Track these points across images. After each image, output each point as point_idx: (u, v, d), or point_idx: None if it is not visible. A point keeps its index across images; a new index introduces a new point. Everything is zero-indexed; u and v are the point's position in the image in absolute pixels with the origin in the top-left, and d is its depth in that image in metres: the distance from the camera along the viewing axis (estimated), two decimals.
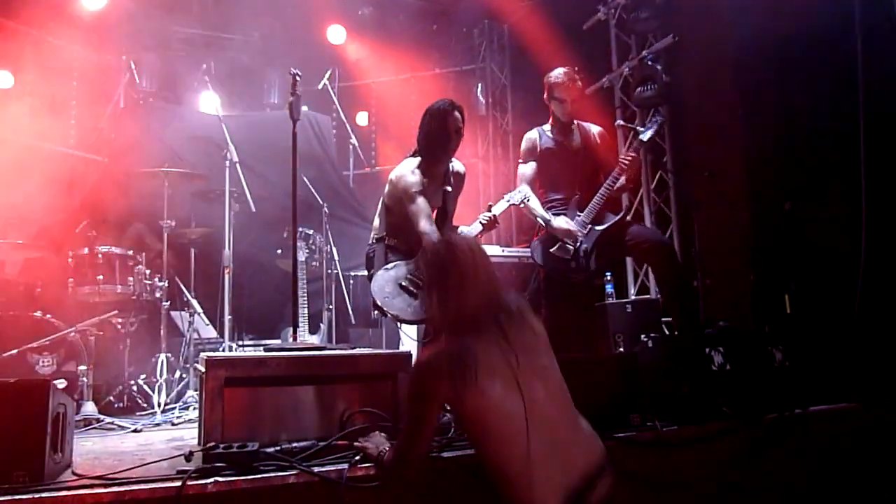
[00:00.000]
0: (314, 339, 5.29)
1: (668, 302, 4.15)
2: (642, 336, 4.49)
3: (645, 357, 3.20)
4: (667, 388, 3.06)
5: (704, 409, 3.05)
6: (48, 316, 4.17)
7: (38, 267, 4.79)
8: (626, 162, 3.99)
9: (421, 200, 3.58)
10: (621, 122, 5.59)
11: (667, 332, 5.19)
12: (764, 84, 4.84)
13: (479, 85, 8.08)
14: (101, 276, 4.44)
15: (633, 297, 5.76)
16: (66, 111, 6.60)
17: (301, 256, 5.03)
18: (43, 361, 4.05)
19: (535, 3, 7.24)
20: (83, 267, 4.48)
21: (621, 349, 4.86)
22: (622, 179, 4.04)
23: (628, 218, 4.42)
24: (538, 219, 4.12)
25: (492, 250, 6.06)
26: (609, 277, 5.41)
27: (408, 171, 3.68)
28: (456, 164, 3.95)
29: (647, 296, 5.65)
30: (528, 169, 4.27)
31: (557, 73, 4.19)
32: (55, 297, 4.51)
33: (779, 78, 4.74)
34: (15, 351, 3.91)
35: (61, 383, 3.79)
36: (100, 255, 4.48)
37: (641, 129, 4.14)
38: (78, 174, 5.65)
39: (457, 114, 3.74)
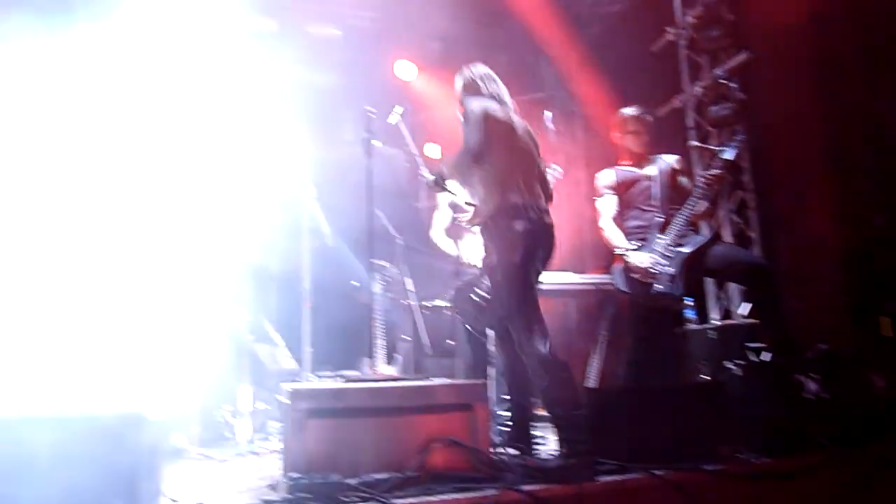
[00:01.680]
0: (391, 370, 5.33)
1: (762, 327, 3.95)
2: (727, 363, 4.32)
3: (732, 385, 3.07)
4: (758, 417, 2.92)
5: (800, 440, 2.89)
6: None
7: None
8: (707, 179, 3.90)
9: None
10: (695, 144, 5.45)
11: (754, 359, 4.97)
12: (849, 95, 4.63)
13: (549, 113, 8.06)
14: None
15: (715, 323, 5.54)
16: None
17: (377, 288, 5.11)
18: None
19: (602, 29, 7.21)
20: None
21: (705, 377, 4.68)
22: (703, 202, 3.97)
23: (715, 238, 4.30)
24: (616, 249, 4.08)
25: (565, 277, 5.99)
26: (689, 302, 5.25)
27: None
28: None
29: (731, 321, 5.43)
30: (606, 202, 4.23)
31: (630, 109, 4.26)
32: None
33: (866, 87, 4.53)
34: None
35: (155, 414, 3.96)
36: None
37: (722, 148, 4.03)
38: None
39: None
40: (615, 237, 4.12)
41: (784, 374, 3.09)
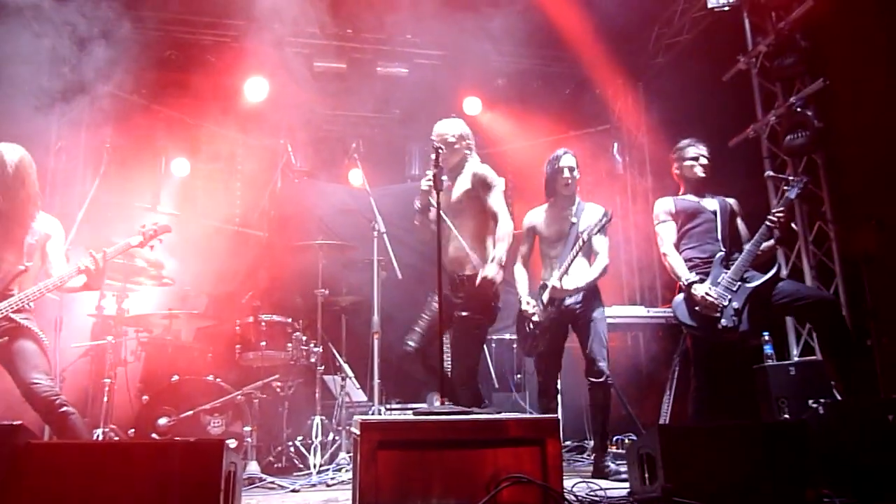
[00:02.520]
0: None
1: (832, 364, 3.81)
2: (810, 401, 4.12)
3: (816, 424, 2.93)
4: (845, 460, 2.77)
5: (893, 485, 2.72)
6: (218, 380, 4.54)
7: (209, 334, 5.26)
8: (776, 220, 3.84)
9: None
10: (771, 174, 5.31)
11: (839, 398, 4.73)
12: None
13: (615, 144, 8.03)
14: (264, 343, 4.78)
15: (796, 359, 5.31)
16: (231, 192, 7.31)
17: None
18: (214, 422, 4.40)
19: (669, 60, 7.16)
20: (248, 334, 4.85)
21: (786, 416, 4.47)
22: (770, 241, 3.92)
23: (782, 274, 4.19)
24: (680, 280, 4.01)
25: (635, 311, 5.89)
26: (767, 337, 5.05)
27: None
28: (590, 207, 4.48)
29: (813, 357, 5.19)
30: (667, 228, 4.21)
31: (686, 140, 4.31)
32: (224, 362, 4.92)
33: None
34: (191, 412, 4.29)
35: (233, 443, 4.10)
36: (263, 323, 4.84)
37: (787, 187, 3.97)
38: (243, 249, 6.20)
39: (568, 157, 4.43)
40: (679, 266, 4.06)
41: (874, 415, 2.93)
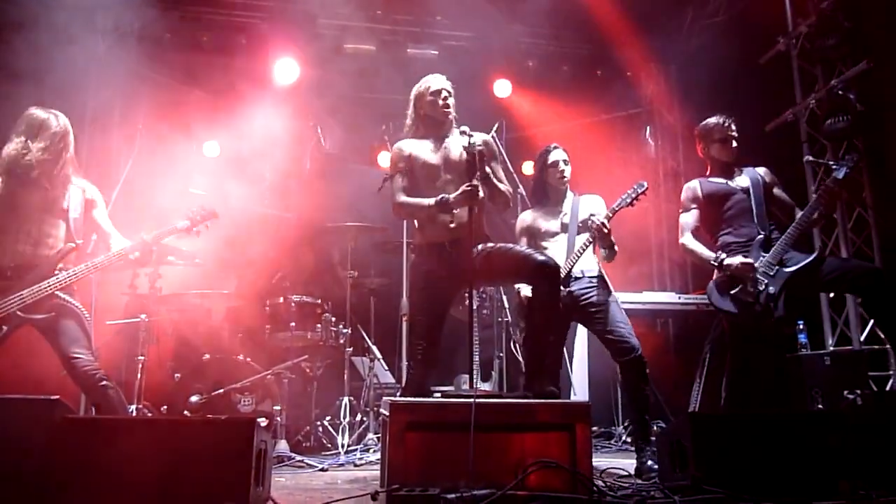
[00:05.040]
0: (486, 387, 5.33)
1: (890, 336, 3.65)
2: (845, 392, 4.03)
3: (854, 416, 2.86)
4: (884, 452, 2.70)
5: None
6: (248, 359, 4.60)
7: (239, 314, 5.31)
8: (820, 199, 3.69)
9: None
10: (810, 158, 5.15)
11: (875, 389, 4.63)
12: None
13: (647, 128, 7.90)
14: (293, 323, 4.82)
15: (831, 348, 5.20)
16: (261, 174, 7.35)
17: (473, 304, 5.13)
18: (244, 401, 4.46)
19: (704, 42, 7.00)
20: (278, 314, 4.90)
21: (820, 406, 4.39)
22: (813, 219, 3.75)
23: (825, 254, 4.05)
24: (709, 262, 3.89)
25: (666, 297, 5.81)
26: (801, 326, 4.95)
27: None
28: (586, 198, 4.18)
29: (849, 346, 5.08)
30: (689, 217, 4.03)
31: (712, 118, 4.05)
32: (253, 342, 4.98)
33: None
34: (221, 390, 4.35)
35: (264, 421, 4.14)
36: (293, 304, 4.88)
37: (835, 166, 3.77)
38: (272, 231, 6.24)
39: (559, 150, 4.16)
40: (700, 250, 3.91)
41: None
